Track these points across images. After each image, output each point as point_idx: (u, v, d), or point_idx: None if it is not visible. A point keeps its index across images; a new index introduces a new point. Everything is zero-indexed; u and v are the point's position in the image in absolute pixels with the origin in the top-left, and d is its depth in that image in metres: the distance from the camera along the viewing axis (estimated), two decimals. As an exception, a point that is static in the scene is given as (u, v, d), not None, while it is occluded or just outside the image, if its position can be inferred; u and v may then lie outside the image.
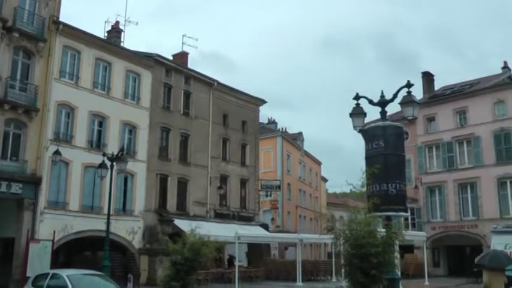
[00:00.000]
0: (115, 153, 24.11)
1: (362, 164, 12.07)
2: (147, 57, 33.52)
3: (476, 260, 14.69)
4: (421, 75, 47.69)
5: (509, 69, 45.52)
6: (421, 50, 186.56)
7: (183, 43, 39.38)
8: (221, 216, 37.01)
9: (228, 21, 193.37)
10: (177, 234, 25.07)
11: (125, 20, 37.05)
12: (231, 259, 36.88)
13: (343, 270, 11.09)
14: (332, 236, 11.29)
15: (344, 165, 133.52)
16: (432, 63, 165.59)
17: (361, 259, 10.04)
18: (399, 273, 27.37)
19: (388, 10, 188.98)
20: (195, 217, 32.84)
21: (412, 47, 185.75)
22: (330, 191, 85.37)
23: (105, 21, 35.99)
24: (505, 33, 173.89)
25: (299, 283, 30.39)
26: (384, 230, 10.83)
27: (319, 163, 68.27)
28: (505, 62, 45.99)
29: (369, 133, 12.11)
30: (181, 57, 38.84)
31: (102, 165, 23.72)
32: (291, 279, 32.34)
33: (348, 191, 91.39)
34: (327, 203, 65.77)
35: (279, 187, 48.06)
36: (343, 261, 10.75)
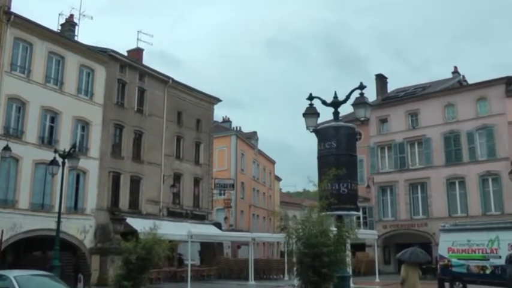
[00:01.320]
0: (67, 149, 23.67)
1: (313, 163, 12.24)
2: (101, 52, 32.98)
3: (397, 255, 15.66)
4: (374, 77, 48.60)
5: (459, 74, 46.98)
6: (368, 54, 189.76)
7: (138, 39, 39.04)
8: (174, 215, 36.78)
9: (174, 19, 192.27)
10: (129, 233, 24.81)
11: (80, 14, 35.91)
12: (181, 258, 36.75)
13: (295, 269, 11.17)
14: (285, 234, 11.41)
15: (295, 164, 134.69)
16: (379, 67, 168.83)
17: (313, 258, 10.15)
18: (350, 271, 27.91)
19: (334, 14, 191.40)
20: (148, 215, 32.57)
21: (359, 51, 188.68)
22: (284, 190, 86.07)
23: (59, 14, 35.20)
24: (446, 40, 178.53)
25: (251, 282, 30.59)
26: (335, 229, 11.01)
27: (273, 162, 68.59)
28: (455, 67, 47.50)
29: (321, 133, 12.24)
30: (136, 53, 38.47)
31: (53, 162, 23.03)
32: (244, 278, 32.45)
33: (301, 190, 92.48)
34: (281, 202, 66.16)
35: (232, 186, 48.13)
36: (295, 260, 10.86)
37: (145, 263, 14.96)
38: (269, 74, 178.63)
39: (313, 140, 13.04)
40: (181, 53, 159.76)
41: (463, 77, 47.32)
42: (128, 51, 38.06)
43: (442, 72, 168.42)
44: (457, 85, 44.71)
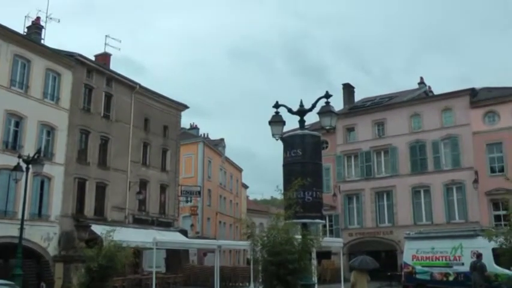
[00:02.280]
0: (31, 155, 23.26)
1: (280, 171, 12.25)
2: (68, 57, 32.50)
3: (349, 263, 18.51)
4: (337, 87, 49.16)
5: (425, 85, 47.85)
6: (331, 64, 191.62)
7: (105, 44, 38.59)
8: (140, 222, 36.42)
9: (137, 25, 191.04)
10: (93, 240, 24.48)
11: (46, 17, 35.18)
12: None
13: (260, 277, 11.16)
14: (250, 242, 11.39)
15: (261, 172, 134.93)
16: (342, 77, 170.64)
17: (278, 266, 10.14)
18: (316, 279, 27.99)
19: (297, 24, 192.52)
20: (113, 222, 32.06)
21: (323, 61, 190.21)
22: (251, 197, 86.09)
23: (25, 16, 34.59)
24: (407, 52, 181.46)
25: (217, 289, 30.47)
26: (300, 237, 11.02)
27: (240, 170, 68.57)
28: (421, 78, 48.57)
29: (287, 141, 12.26)
30: (104, 58, 37.99)
31: (17, 168, 22.62)
32: (209, 286, 32.22)
33: (268, 197, 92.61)
34: (248, 210, 66.16)
35: (199, 193, 47.94)
36: (260, 268, 10.83)
37: (107, 271, 14.76)
38: (235, 82, 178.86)
39: (279, 148, 13.02)
40: (145, 59, 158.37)
41: (429, 87, 48.18)
42: (95, 56, 37.60)
43: (403, 83, 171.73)
44: (423, 96, 45.45)
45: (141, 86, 37.92)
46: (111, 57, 38.82)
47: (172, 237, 35.41)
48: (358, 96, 50.35)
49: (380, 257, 41.06)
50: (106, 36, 39.66)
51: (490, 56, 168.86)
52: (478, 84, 41.31)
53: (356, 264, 17.16)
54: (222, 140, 61.12)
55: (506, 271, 10.17)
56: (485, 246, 17.23)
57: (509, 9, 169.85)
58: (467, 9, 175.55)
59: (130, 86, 37.29)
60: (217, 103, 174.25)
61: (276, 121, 12.55)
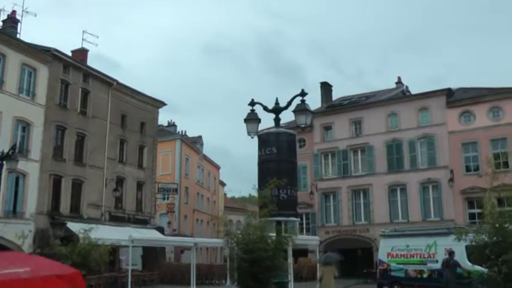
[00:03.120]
0: (6, 151, 22.94)
1: (256, 169, 12.26)
2: (44, 51, 32.08)
3: (318, 260, 21.01)
4: (311, 86, 49.31)
5: (403, 85, 48.15)
6: (305, 63, 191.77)
7: (82, 39, 38.23)
8: (116, 219, 36.20)
9: (112, 21, 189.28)
10: (69, 238, 24.27)
11: (22, 10, 34.70)
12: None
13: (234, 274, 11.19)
14: (225, 240, 11.39)
15: (239, 170, 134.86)
16: (316, 76, 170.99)
17: (251, 263, 10.17)
18: (292, 277, 28.22)
19: (270, 23, 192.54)
20: (90, 220, 31.82)
21: (297, 60, 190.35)
22: (229, 195, 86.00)
23: (1, 10, 34.15)
24: (380, 52, 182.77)
25: (193, 287, 30.39)
26: (275, 235, 11.06)
27: (217, 167, 68.47)
28: (399, 78, 48.72)
29: (262, 139, 12.28)
30: (81, 53, 37.59)
31: (-10, 164, 22.39)
32: (186, 283, 32.15)
33: (246, 195, 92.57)
34: (225, 207, 66.06)
35: (176, 190, 47.79)
36: (235, 265, 10.85)
37: (81, 269, 14.60)
38: (211, 80, 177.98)
39: (256, 145, 12.96)
40: (118, 56, 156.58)
41: (406, 87, 48.51)
42: (72, 51, 37.22)
43: (375, 83, 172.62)
44: (400, 95, 45.72)
45: (118, 83, 37.68)
46: (88, 53, 38.52)
47: (148, 235, 35.28)
48: (333, 96, 50.56)
49: (356, 255, 41.50)
50: (83, 31, 39.19)
51: (462, 58, 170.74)
52: (448, 85, 41.59)
53: (322, 260, 19.79)
54: (200, 137, 60.95)
55: (478, 268, 10.30)
56: (458, 244, 17.41)
57: (478, 11, 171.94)
58: (438, 11, 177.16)
59: (108, 82, 37.03)
60: (194, 101, 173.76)
61: (252, 119, 12.56)
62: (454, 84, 40.85)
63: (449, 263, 18.14)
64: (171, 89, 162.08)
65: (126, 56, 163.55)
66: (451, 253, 18.17)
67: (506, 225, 9.49)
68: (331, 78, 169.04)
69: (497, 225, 9.50)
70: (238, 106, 57.66)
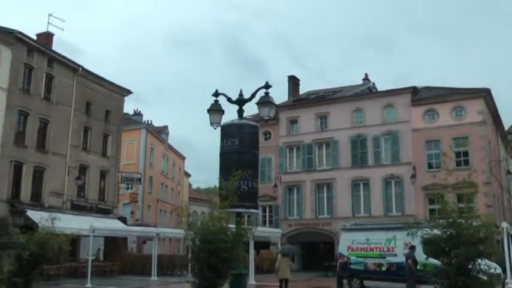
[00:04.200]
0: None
1: (217, 160, 12.22)
2: (7, 33, 31.27)
3: (277, 252, 23.29)
4: (276, 80, 49.41)
5: (369, 81, 48.69)
6: (269, 57, 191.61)
7: (48, 23, 37.41)
8: (78, 208, 35.77)
9: (78, 6, 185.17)
10: (29, 227, 23.84)
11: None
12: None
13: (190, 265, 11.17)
14: (185, 230, 11.35)
15: (204, 161, 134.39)
16: (280, 70, 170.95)
17: (210, 254, 10.15)
18: (253, 269, 28.31)
19: (234, 16, 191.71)
20: (51, 208, 31.21)
21: (261, 54, 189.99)
22: (194, 186, 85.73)
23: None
24: (345, 49, 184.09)
25: (154, 277, 30.32)
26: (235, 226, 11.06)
27: (182, 158, 68.13)
28: (366, 74, 49.24)
29: (225, 130, 12.23)
30: (46, 37, 36.76)
31: None
32: (147, 274, 32.05)
33: (212, 186, 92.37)
34: (190, 198, 65.76)
35: (140, 180, 47.42)
36: (193, 256, 10.81)
37: (38, 259, 14.37)
38: (175, 71, 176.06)
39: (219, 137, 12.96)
40: (80, 42, 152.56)
41: (373, 84, 49.10)
42: (37, 35, 36.41)
43: (339, 80, 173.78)
44: (367, 91, 46.28)
45: (83, 69, 37.16)
46: (54, 38, 37.76)
47: (110, 225, 35.00)
48: (300, 90, 50.73)
49: (318, 248, 41.89)
50: (49, 15, 38.05)
51: (424, 58, 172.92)
52: (409, 84, 42.22)
53: (280, 251, 22.42)
54: (165, 127, 60.47)
55: (433, 261, 10.52)
56: (416, 238, 17.61)
57: (440, 14, 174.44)
58: (401, 11, 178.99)
59: (73, 68, 36.48)
60: (159, 91, 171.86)
61: (215, 110, 12.51)
62: (414, 84, 41.20)
63: (409, 256, 18.50)
64: (136, 79, 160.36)
65: (89, 43, 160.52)
66: (411, 247, 18.44)
67: (459, 221, 9.67)
68: (294, 73, 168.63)
69: (450, 220, 9.70)
70: (203, 97, 57.41)
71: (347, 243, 23.24)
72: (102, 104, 39.12)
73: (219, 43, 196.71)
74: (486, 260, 9.99)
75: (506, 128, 54.03)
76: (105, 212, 38.46)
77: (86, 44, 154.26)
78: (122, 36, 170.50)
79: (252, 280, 27.42)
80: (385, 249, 21.41)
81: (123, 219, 40.22)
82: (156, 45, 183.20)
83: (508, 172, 43.15)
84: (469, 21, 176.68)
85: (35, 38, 35.08)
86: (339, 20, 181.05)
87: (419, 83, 42.17)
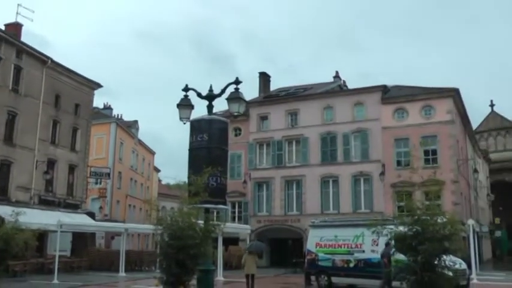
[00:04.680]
0: None
1: (187, 155, 12.16)
2: (-27, 24, 30.81)
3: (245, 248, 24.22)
4: (245, 77, 49.23)
5: (340, 79, 49.04)
6: (238, 53, 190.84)
7: (17, 13, 36.65)
8: (46, 203, 35.26)
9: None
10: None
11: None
12: None
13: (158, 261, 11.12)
14: (153, 226, 11.28)
15: (173, 156, 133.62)
16: (250, 67, 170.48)
17: (178, 250, 10.12)
18: (221, 265, 28.29)
19: (204, 12, 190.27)
20: (18, 203, 30.77)
21: (229, 50, 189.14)
22: (164, 181, 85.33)
23: None
24: (312, 47, 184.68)
25: (121, 273, 30.10)
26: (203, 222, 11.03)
27: (152, 153, 67.75)
28: (337, 72, 49.62)
29: (194, 125, 12.17)
30: (15, 28, 35.97)
31: None
32: (115, 270, 31.82)
33: (182, 182, 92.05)
34: (159, 194, 65.44)
35: (109, 175, 46.98)
36: (161, 252, 10.77)
37: (3, 255, 14.12)
38: (145, 66, 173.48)
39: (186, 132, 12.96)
40: (52, 35, 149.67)
41: (344, 82, 49.47)
42: (6, 25, 35.68)
43: (308, 77, 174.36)
44: (337, 89, 46.59)
45: (53, 61, 36.56)
46: (23, 29, 37.02)
47: (79, 220, 34.62)
48: (271, 87, 50.80)
49: (287, 245, 42.05)
50: (18, 5, 37.23)
51: (392, 57, 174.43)
52: (377, 82, 42.85)
53: (247, 247, 24.00)
54: (135, 121, 60.06)
55: (400, 257, 10.64)
56: (385, 235, 17.74)
57: (409, 13, 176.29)
58: (368, 11, 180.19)
59: (42, 60, 35.88)
60: (128, 85, 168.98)
61: (184, 104, 12.45)
62: (383, 82, 41.64)
63: (384, 254, 18.66)
64: (107, 73, 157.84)
65: (59, 35, 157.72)
66: (387, 244, 18.57)
67: (424, 218, 9.83)
68: (262, 69, 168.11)
69: (416, 217, 9.85)
70: (173, 92, 57.05)
71: (315, 240, 23.31)
72: (71, 97, 38.61)
73: (187, 38, 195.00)
74: (451, 256, 10.19)
75: (474, 127, 55.05)
76: (74, 207, 38.03)
77: (55, 36, 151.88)
78: (91, 29, 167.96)
79: (220, 276, 27.46)
80: (353, 245, 21.53)
81: (92, 215, 39.86)
82: (125, 39, 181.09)
83: (475, 170, 43.87)
84: (439, 22, 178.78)
85: (3, 28, 34.50)
86: (307, 17, 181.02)
87: (387, 82, 42.47)
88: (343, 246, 22.07)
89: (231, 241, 37.23)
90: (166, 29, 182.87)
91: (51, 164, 36.49)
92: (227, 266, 34.03)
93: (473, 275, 25.96)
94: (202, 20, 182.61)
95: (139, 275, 30.39)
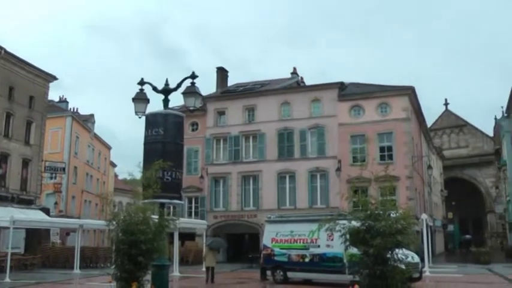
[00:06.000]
0: None
1: (141, 150, 12.08)
2: None
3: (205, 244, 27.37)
4: (195, 71, 49.01)
5: (298, 75, 49.39)
6: (189, 48, 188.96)
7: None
8: (-2, 198, 34.54)
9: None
10: None
11: None
12: None
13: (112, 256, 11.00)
14: (107, 221, 11.16)
15: (130, 151, 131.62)
16: (201, 62, 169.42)
17: (130, 245, 10.04)
18: (177, 260, 28.20)
19: (154, 5, 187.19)
20: (-32, 198, 30.21)
21: (181, 45, 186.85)
22: (121, 177, 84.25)
23: None
24: (262, 43, 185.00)
25: (76, 270, 29.63)
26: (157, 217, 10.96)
27: (108, 147, 66.87)
28: (294, 68, 49.91)
29: (149, 120, 12.12)
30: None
31: None
32: (69, 267, 31.33)
33: (138, 177, 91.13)
34: (115, 189, 64.57)
35: (64, 169, 46.22)
36: (114, 247, 10.66)
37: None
38: (100, 60, 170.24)
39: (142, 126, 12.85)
40: (4, 25, 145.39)
41: (301, 78, 49.83)
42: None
43: (260, 72, 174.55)
44: (295, 85, 46.85)
45: (6, 51, 35.66)
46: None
47: (32, 216, 33.88)
48: (207, 83, 50.77)
49: (244, 240, 42.16)
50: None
51: (347, 56, 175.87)
52: (329, 80, 43.41)
53: (208, 243, 26.06)
54: (91, 115, 59.17)
55: (353, 251, 10.81)
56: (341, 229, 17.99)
57: (361, 12, 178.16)
58: (319, 6, 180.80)
59: (-6, 51, 35.00)
60: (84, 79, 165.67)
61: (140, 98, 12.37)
62: (339, 80, 42.12)
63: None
64: (63, 66, 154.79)
65: (13, 27, 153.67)
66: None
67: (377, 212, 10.01)
68: (214, 64, 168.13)
69: (368, 212, 10.01)
70: (129, 87, 56.31)
71: (271, 235, 23.42)
72: (25, 89, 37.78)
73: (139, 33, 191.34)
74: (404, 249, 10.40)
75: (428, 125, 56.20)
76: (27, 203, 37.26)
77: (8, 27, 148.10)
78: (46, 22, 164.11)
79: (176, 272, 27.36)
80: (309, 240, 21.70)
81: (46, 210, 39.15)
82: (79, 32, 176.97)
83: (429, 167, 44.74)
84: (394, 22, 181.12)
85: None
86: (257, 13, 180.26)
87: (344, 80, 42.89)
88: (298, 241, 22.22)
89: (187, 236, 37.17)
90: (119, 23, 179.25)
91: (3, 158, 35.71)
92: (183, 262, 33.92)
93: (426, 268, 26.57)
94: (153, 14, 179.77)
95: (95, 271, 29.97)
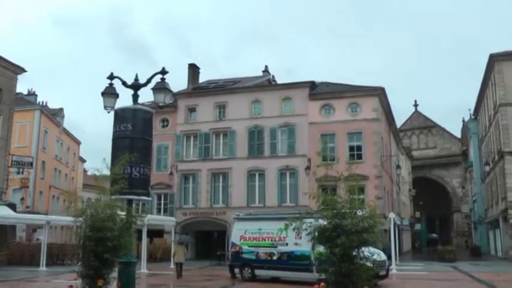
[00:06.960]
0: None
1: (109, 145, 11.99)
2: None
3: (174, 240, 29.68)
4: (163, 67, 48.74)
5: (269, 73, 49.59)
6: (156, 43, 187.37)
7: None
8: (-38, 193, 33.90)
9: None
10: None
11: None
12: None
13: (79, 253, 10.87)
14: (75, 218, 11.03)
15: (100, 146, 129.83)
16: (167, 57, 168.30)
17: (96, 242, 9.96)
18: (144, 257, 28.12)
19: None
20: None
21: (147, 39, 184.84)
22: (90, 172, 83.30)
23: None
24: (229, 39, 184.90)
25: (42, 267, 29.24)
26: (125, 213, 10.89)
27: (78, 142, 66.11)
28: (266, 66, 50.32)
29: (118, 115, 12.02)
30: None
31: None
32: (36, 264, 30.86)
33: (107, 173, 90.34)
34: (84, 185, 63.89)
35: (31, 164, 45.52)
36: (80, 244, 10.52)
37: None
38: (67, 53, 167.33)
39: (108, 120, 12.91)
40: None
41: (273, 76, 50.05)
42: None
43: (227, 70, 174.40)
44: (266, 83, 47.00)
45: (-28, 46, 35.05)
46: None
47: (-3, 211, 33.35)
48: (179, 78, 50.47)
49: (212, 237, 42.13)
50: None
51: (316, 55, 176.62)
52: (295, 79, 43.89)
53: (177, 240, 28.08)
54: (61, 109, 58.37)
55: (321, 249, 10.87)
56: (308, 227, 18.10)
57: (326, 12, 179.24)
58: (284, 5, 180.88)
59: (-40, 45, 34.30)
60: (53, 72, 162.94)
61: (109, 93, 12.26)
62: (299, 78, 42.52)
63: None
64: (31, 59, 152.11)
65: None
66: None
67: (343, 211, 10.11)
68: (181, 61, 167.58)
69: (335, 211, 10.10)
70: (97, 81, 55.37)
71: (240, 233, 23.45)
72: (-8, 82, 37.11)
73: (105, 27, 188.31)
74: (371, 247, 10.51)
75: (398, 126, 56.87)
76: (-7, 198, 36.65)
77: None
78: (12, 12, 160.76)
79: (143, 268, 27.23)
80: (277, 238, 21.76)
81: (13, 206, 38.48)
82: (46, 24, 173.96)
83: (398, 167, 45.28)
84: (366, 22, 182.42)
85: None
86: (225, 9, 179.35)
87: (314, 79, 43.14)
88: (267, 239, 22.29)
89: (156, 233, 37.04)
90: (84, 15, 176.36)
91: (-31, 152, 35.04)
92: (152, 259, 33.81)
93: (393, 266, 26.90)
94: (120, 8, 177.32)
95: (61, 269, 29.63)
